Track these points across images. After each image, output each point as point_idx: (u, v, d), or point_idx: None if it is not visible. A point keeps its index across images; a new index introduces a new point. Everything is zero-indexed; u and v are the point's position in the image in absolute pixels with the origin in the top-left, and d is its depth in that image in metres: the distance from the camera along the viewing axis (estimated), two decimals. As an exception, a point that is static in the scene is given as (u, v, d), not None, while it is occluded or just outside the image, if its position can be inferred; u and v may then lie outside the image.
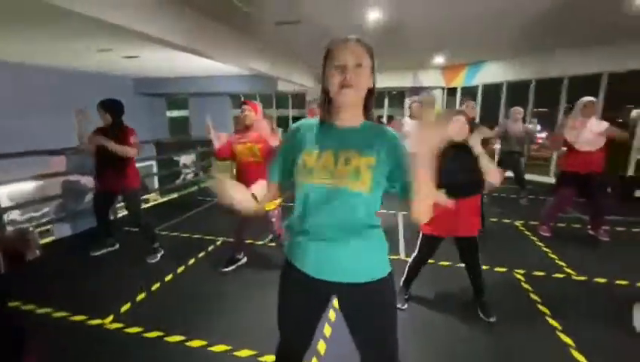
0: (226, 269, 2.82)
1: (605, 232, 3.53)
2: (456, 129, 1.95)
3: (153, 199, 6.18)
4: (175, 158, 5.75)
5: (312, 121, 1.07)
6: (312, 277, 1.01)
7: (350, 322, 1.06)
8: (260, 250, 3.24)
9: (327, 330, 2.03)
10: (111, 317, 2.16)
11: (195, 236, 3.66)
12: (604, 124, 3.24)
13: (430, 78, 8.15)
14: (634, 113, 5.70)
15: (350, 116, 1.00)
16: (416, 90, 8.38)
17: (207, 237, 3.60)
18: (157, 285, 2.58)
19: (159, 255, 3.06)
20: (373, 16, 4.01)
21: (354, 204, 0.95)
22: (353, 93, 0.93)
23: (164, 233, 3.72)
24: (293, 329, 1.14)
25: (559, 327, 2.06)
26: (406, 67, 7.99)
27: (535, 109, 6.71)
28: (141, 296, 2.42)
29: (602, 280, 2.64)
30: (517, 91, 6.87)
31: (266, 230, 3.53)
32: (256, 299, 2.40)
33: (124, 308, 2.28)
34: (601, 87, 5.44)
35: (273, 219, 2.66)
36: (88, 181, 3.81)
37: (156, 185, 7.17)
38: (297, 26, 4.48)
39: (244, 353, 1.84)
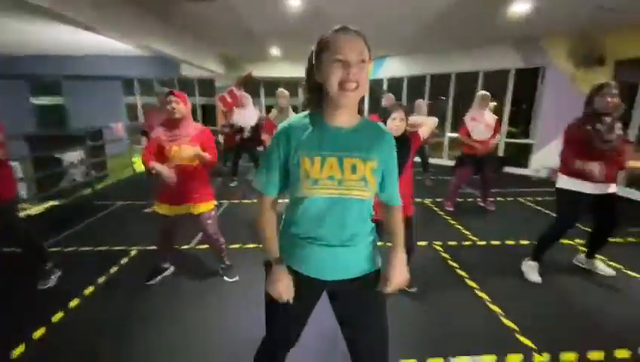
0: (151, 282, 2.45)
1: (491, 203, 4.31)
2: (396, 126, 1.95)
3: (22, 209, 4.89)
4: (56, 156, 4.65)
5: (301, 119, 0.96)
6: (310, 276, 0.99)
7: (350, 315, 1.05)
8: (187, 256, 2.91)
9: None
10: (-2, 368, 1.65)
11: (101, 248, 3.06)
12: (494, 117, 3.92)
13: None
14: (492, 105, 7.08)
15: (348, 116, 0.95)
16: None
17: (117, 248, 3.05)
18: (60, 315, 2.07)
19: (55, 276, 2.46)
20: (294, 3, 3.91)
21: (361, 209, 0.96)
22: (357, 93, 0.88)
23: (55, 249, 3.00)
24: (286, 328, 1.09)
25: (476, 286, 2.43)
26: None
27: (428, 101, 7.67)
28: (40, 333, 1.91)
29: (497, 243, 3.22)
30: (415, 84, 7.72)
31: (193, 232, 3.22)
32: (191, 314, 2.12)
33: (18, 351, 1.76)
34: (479, 83, 6.54)
35: (209, 221, 2.39)
36: None
37: (25, 190, 5.71)
38: (211, 5, 4.06)
39: None
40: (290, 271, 1.00)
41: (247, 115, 5.06)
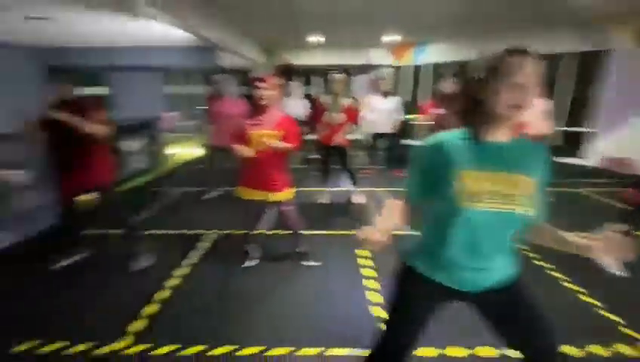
0: (249, 263, 2.56)
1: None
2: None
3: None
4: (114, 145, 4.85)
5: (452, 135, 0.99)
6: (453, 288, 1.02)
7: (507, 321, 1.05)
8: (261, 241, 2.97)
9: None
10: (127, 340, 1.79)
11: (177, 232, 3.19)
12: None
13: (378, 56, 8.33)
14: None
15: (506, 132, 0.95)
16: (365, 68, 8.53)
17: (193, 232, 3.17)
18: (166, 293, 2.22)
19: (146, 258, 2.59)
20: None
21: (518, 224, 0.96)
22: (523, 113, 0.88)
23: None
24: (410, 335, 1.11)
25: (562, 277, 2.38)
26: (353, 44, 8.01)
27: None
28: (151, 309, 2.05)
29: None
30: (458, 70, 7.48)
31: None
32: (280, 294, 2.25)
33: (135, 326, 1.90)
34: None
35: (287, 209, 2.45)
36: (19, 176, 3.00)
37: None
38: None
39: (278, 351, 1.74)
40: (426, 282, 1.04)
41: (297, 105, 5.06)
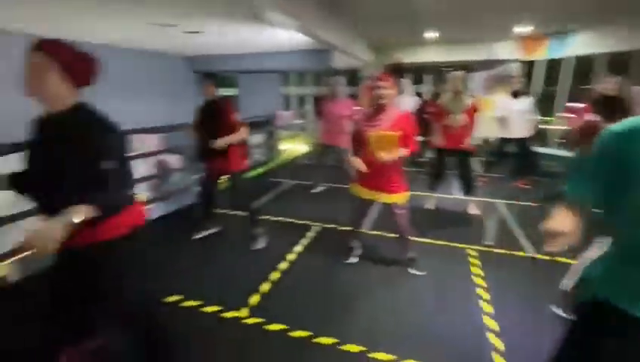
0: (349, 260, 2.60)
1: None
2: None
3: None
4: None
5: None
6: None
7: None
8: (366, 239, 2.95)
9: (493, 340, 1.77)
10: (246, 311, 2.03)
11: (288, 220, 3.46)
12: None
13: (503, 50, 7.35)
14: None
15: None
16: (487, 64, 7.66)
17: (301, 222, 3.38)
18: (276, 274, 2.43)
19: (263, 240, 2.89)
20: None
21: None
22: None
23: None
24: None
25: None
26: (472, 38, 7.24)
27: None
28: (266, 287, 2.27)
29: None
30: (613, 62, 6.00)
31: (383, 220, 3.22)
32: (381, 295, 2.21)
33: (254, 299, 2.13)
34: None
35: (401, 212, 2.34)
36: (175, 160, 3.72)
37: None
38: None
39: (381, 356, 1.68)
40: (630, 320, 0.78)
41: (409, 102, 4.89)
